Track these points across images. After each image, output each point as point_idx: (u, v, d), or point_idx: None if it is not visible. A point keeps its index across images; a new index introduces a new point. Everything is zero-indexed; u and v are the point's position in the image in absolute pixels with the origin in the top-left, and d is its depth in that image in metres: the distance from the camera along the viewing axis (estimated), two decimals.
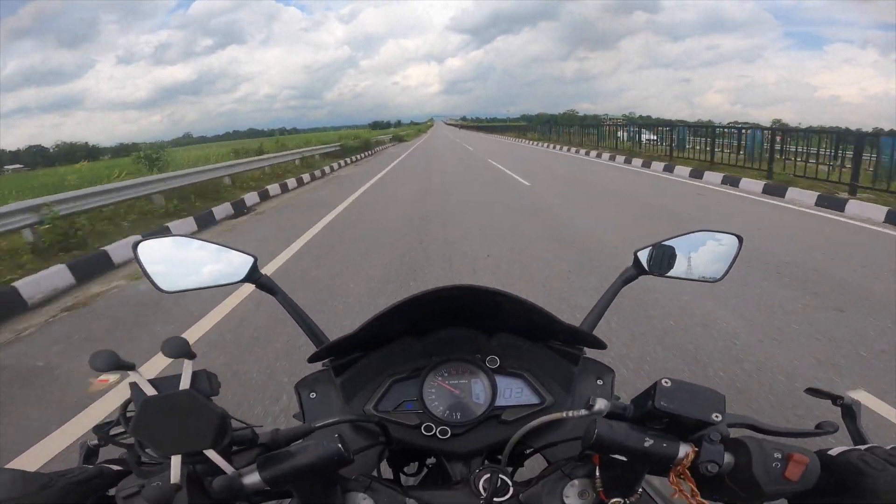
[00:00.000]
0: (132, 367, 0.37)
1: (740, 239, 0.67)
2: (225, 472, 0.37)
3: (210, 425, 0.36)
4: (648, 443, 0.39)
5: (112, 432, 0.43)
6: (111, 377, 2.31)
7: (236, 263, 0.63)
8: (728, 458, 0.39)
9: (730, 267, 0.67)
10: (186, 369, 0.38)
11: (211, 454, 0.36)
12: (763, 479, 0.37)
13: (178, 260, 0.63)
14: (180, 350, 0.38)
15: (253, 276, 0.63)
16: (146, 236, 0.63)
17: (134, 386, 0.38)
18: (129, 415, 0.38)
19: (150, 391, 0.37)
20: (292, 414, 0.60)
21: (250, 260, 0.63)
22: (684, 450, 0.40)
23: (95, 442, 0.45)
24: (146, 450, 0.38)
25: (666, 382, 0.39)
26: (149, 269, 0.60)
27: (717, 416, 0.38)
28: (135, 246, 0.61)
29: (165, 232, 5.57)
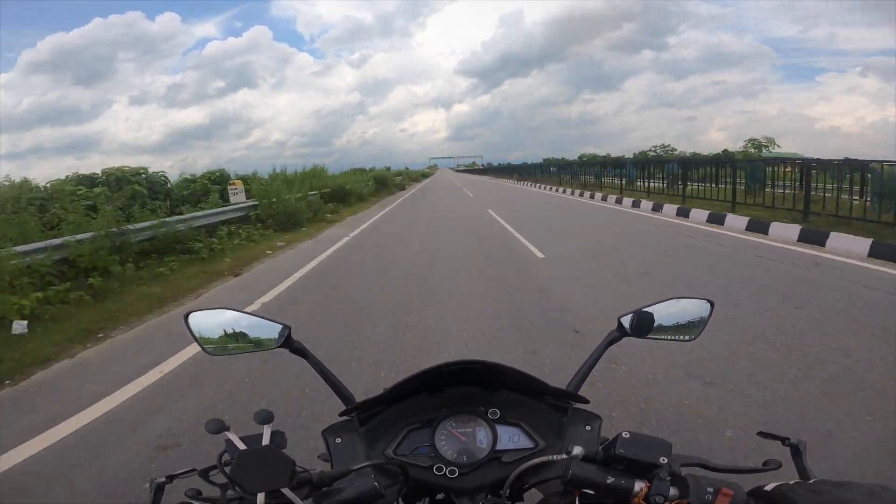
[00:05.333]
0: (228, 429, 0.52)
1: (712, 304, 0.76)
2: None
3: (285, 471, 0.48)
4: (610, 480, 0.51)
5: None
6: None
7: (273, 331, 0.74)
8: (673, 491, 0.50)
9: (703, 328, 0.76)
10: (267, 430, 0.52)
11: (286, 491, 0.49)
12: None
13: (221, 327, 0.73)
14: (265, 418, 0.52)
15: (287, 342, 0.74)
16: (196, 308, 0.73)
17: (228, 441, 0.52)
18: (224, 462, 0.52)
19: (241, 446, 0.51)
20: (317, 455, 0.70)
21: (285, 329, 0.74)
22: (639, 485, 0.51)
23: (163, 479, 0.56)
24: (235, 488, 0.51)
25: (625, 434, 0.52)
26: (197, 336, 0.72)
27: (663, 459, 0.51)
28: (186, 316, 0.72)
29: None
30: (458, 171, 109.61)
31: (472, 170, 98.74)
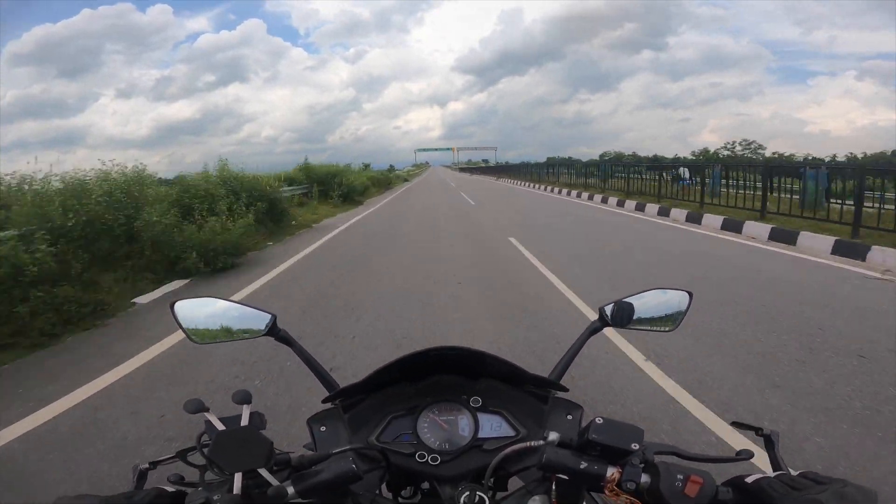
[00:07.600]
0: (207, 409, 0.52)
1: (691, 294, 0.77)
2: (272, 485, 0.50)
3: (263, 451, 0.49)
4: (583, 465, 0.52)
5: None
6: None
7: (258, 319, 0.74)
8: (645, 478, 0.51)
9: (682, 319, 0.77)
10: (245, 411, 0.53)
11: (263, 472, 0.49)
12: (668, 495, 0.49)
13: (208, 317, 0.73)
14: (243, 398, 0.53)
15: (273, 330, 0.74)
16: (181, 296, 0.73)
17: (207, 423, 0.53)
18: (203, 443, 0.53)
19: (220, 426, 0.52)
20: (303, 444, 0.70)
21: (270, 317, 0.74)
22: (611, 471, 0.52)
23: (146, 466, 0.57)
24: (213, 469, 0.51)
25: (598, 420, 0.53)
26: (184, 325, 0.72)
27: (634, 445, 0.52)
28: (172, 305, 0.72)
29: None
30: (458, 170, 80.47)
31: (473, 168, 73.68)
